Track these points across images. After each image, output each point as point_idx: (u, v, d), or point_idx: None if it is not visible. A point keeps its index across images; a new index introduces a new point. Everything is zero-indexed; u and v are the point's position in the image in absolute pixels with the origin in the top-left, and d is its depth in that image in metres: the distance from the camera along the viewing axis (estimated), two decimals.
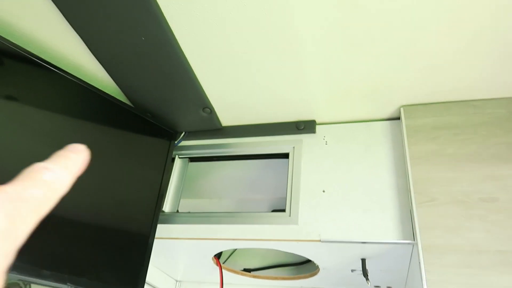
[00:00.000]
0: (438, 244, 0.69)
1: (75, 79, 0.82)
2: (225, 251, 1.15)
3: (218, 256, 1.09)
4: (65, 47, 0.82)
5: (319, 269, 0.97)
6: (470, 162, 0.75)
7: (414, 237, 0.73)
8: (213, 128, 1.00)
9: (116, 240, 0.80)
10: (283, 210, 0.86)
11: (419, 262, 0.68)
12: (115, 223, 0.81)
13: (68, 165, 0.20)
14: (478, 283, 0.64)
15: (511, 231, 0.66)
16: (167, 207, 0.95)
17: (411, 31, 0.69)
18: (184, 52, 0.79)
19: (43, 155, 0.65)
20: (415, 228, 0.72)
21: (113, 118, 0.88)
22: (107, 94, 0.87)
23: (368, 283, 0.85)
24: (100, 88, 0.87)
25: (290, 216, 0.84)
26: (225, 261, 1.15)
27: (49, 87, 0.79)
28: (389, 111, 0.89)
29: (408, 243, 0.74)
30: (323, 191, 0.85)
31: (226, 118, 0.99)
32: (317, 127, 0.95)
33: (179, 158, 1.02)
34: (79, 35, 0.77)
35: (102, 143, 0.84)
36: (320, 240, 0.79)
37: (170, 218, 0.92)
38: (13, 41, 0.72)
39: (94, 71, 0.88)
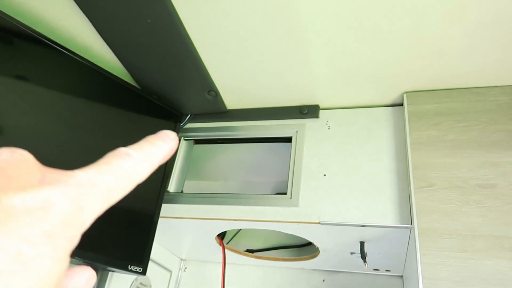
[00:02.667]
0: (434, 228, 0.70)
1: (83, 60, 0.84)
2: (229, 232, 1.17)
3: (222, 236, 1.12)
4: (73, 28, 0.84)
5: (319, 251, 0.99)
6: (470, 149, 0.75)
7: (411, 221, 0.74)
8: (218, 111, 1.01)
9: (123, 217, 0.83)
10: (286, 193, 0.88)
11: (415, 245, 0.70)
12: (122, 201, 0.84)
13: (152, 153, 0.19)
14: (472, 266, 0.65)
15: (507, 217, 0.67)
16: (172, 187, 0.97)
17: (415, 17, 0.69)
18: (190, 35, 0.80)
19: (51, 135, 0.68)
20: (412, 212, 0.73)
21: (119, 99, 0.90)
22: (114, 75, 0.89)
23: (365, 266, 0.87)
24: (107, 69, 0.89)
25: (291, 198, 0.85)
26: (229, 241, 1.18)
27: (58, 68, 0.81)
28: (392, 97, 0.89)
29: (406, 227, 0.76)
30: (324, 175, 0.86)
31: (231, 102, 1.00)
32: (320, 112, 0.95)
33: (185, 140, 1.04)
34: (87, 16, 0.78)
35: (108, 123, 0.86)
36: (319, 223, 0.81)
37: (175, 198, 0.94)
38: (22, 21, 0.74)
39: (101, 53, 0.89)
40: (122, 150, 0.18)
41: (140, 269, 0.83)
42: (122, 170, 0.17)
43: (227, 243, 1.15)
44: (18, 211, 0.13)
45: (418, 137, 0.80)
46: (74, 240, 0.15)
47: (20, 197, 0.14)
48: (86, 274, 0.18)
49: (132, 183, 0.18)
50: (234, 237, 1.19)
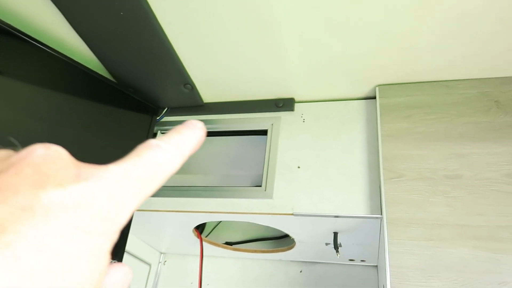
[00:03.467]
0: (402, 218, 0.72)
1: (56, 53, 0.83)
2: (208, 225, 1.18)
3: (201, 230, 1.13)
4: (45, 20, 0.83)
5: (295, 243, 1.00)
6: (438, 141, 0.77)
7: (381, 211, 0.76)
8: (194, 104, 1.01)
9: None
10: (261, 186, 0.89)
11: (384, 235, 0.71)
12: None
13: (181, 143, 0.19)
14: (437, 254, 0.67)
15: (471, 207, 0.69)
16: None
17: (385, 12, 0.70)
18: (164, 29, 0.80)
19: (25, 129, 0.67)
20: (382, 203, 0.75)
21: (95, 92, 0.90)
22: (88, 68, 0.88)
23: (337, 255, 0.89)
24: (82, 62, 0.89)
25: (265, 190, 0.86)
26: (208, 234, 1.18)
27: (30, 61, 0.80)
28: (365, 90, 0.91)
29: (376, 217, 0.77)
30: (298, 167, 0.88)
31: (207, 95, 1.00)
32: (296, 105, 0.96)
33: (162, 133, 1.04)
34: (58, 8, 0.78)
35: (84, 117, 0.86)
36: (293, 214, 0.82)
37: None
38: None
39: (75, 46, 0.89)
40: (152, 141, 0.18)
41: (114, 262, 0.83)
42: (154, 162, 0.17)
43: (206, 236, 1.16)
44: (56, 207, 0.13)
45: (389, 129, 0.81)
46: (113, 236, 0.15)
47: (58, 193, 0.13)
48: (123, 270, 0.18)
49: (165, 174, 0.18)
50: (213, 230, 1.20)
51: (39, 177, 0.14)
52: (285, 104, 0.96)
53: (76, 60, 0.87)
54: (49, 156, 0.15)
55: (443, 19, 0.70)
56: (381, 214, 0.75)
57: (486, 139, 0.75)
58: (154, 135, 1.02)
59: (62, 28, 0.84)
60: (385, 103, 0.85)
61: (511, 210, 0.67)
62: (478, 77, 0.82)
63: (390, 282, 0.67)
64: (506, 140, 0.74)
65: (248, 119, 0.98)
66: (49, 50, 0.82)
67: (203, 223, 1.14)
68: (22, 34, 0.78)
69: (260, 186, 0.89)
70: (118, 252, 0.84)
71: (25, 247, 0.12)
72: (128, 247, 1.09)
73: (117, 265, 0.18)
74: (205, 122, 1.02)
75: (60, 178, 0.14)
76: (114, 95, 0.93)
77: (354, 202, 0.80)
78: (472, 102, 0.79)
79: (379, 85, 0.88)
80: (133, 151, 0.17)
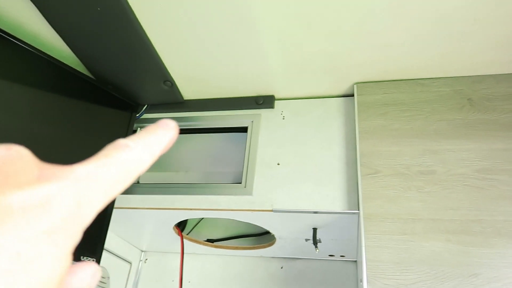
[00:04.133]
0: (378, 213, 0.73)
1: (32, 49, 0.82)
2: (189, 222, 1.18)
3: (182, 227, 1.13)
4: (20, 15, 0.81)
5: (275, 239, 1.01)
6: (413, 137, 0.79)
7: (358, 207, 0.77)
8: (175, 101, 1.01)
9: None
10: (240, 182, 0.89)
11: (360, 230, 0.73)
12: None
13: (151, 143, 0.19)
14: (411, 248, 0.69)
15: (444, 201, 0.71)
16: None
17: (360, 11, 0.71)
18: (142, 25, 0.80)
19: (1, 127, 0.66)
20: (359, 199, 0.76)
21: (73, 89, 0.88)
22: (66, 65, 0.87)
23: (316, 251, 0.90)
24: (59, 58, 0.87)
25: (245, 187, 0.87)
26: (190, 232, 1.18)
27: (4, 56, 0.79)
28: (343, 88, 0.92)
29: (353, 213, 0.79)
30: (278, 164, 0.88)
31: (188, 92, 1.00)
32: (276, 102, 0.97)
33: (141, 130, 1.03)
34: (32, 2, 0.76)
35: (61, 114, 0.85)
36: (272, 210, 0.83)
37: (130, 189, 0.94)
38: None
39: (51, 41, 0.87)
40: (121, 141, 0.18)
41: (93, 260, 0.82)
42: (122, 162, 0.17)
43: (187, 234, 1.16)
44: (15, 210, 0.13)
45: (366, 126, 0.83)
46: (75, 237, 0.15)
47: (17, 195, 0.13)
48: (91, 269, 0.17)
49: (132, 175, 0.17)
50: (194, 228, 1.20)
51: None
52: (265, 101, 0.96)
53: (53, 56, 0.86)
54: (10, 157, 0.15)
55: (418, 18, 0.72)
56: (358, 210, 0.77)
57: (459, 136, 0.77)
58: (133, 132, 1.01)
59: (38, 23, 0.82)
60: (363, 100, 0.86)
61: (481, 204, 0.69)
62: (452, 76, 0.84)
63: (366, 276, 0.68)
64: (478, 137, 0.76)
65: (229, 116, 0.98)
66: (24, 46, 0.80)
67: (184, 221, 1.14)
68: None
69: (240, 183, 0.89)
70: (95, 251, 0.83)
71: None
72: (108, 245, 1.09)
73: (85, 264, 0.17)
74: (186, 119, 1.02)
75: (21, 180, 0.14)
76: (93, 92, 0.92)
77: (332, 198, 0.81)
78: (446, 100, 0.81)
79: (357, 83, 0.89)
80: (101, 151, 0.17)
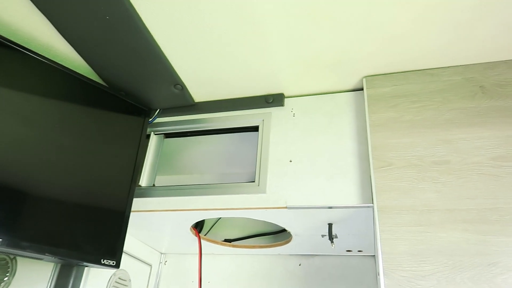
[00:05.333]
0: (392, 205, 0.73)
1: (46, 60, 0.85)
2: (206, 223, 1.19)
3: (200, 228, 1.14)
4: (34, 28, 0.84)
5: (291, 236, 1.01)
6: (425, 128, 0.78)
7: (372, 200, 0.77)
8: (186, 104, 1.02)
9: (94, 213, 0.84)
10: (254, 181, 0.90)
11: (375, 223, 0.73)
12: (92, 197, 0.85)
13: None
14: (428, 239, 0.68)
15: (459, 191, 0.70)
16: (143, 181, 0.98)
17: (367, 3, 0.71)
18: (150, 30, 0.81)
19: (19, 136, 0.68)
20: (373, 192, 0.76)
21: (87, 97, 0.91)
22: (79, 74, 0.90)
23: (332, 246, 0.90)
24: (72, 68, 0.90)
25: (258, 185, 0.87)
26: (207, 232, 1.20)
27: (22, 69, 0.81)
28: (352, 82, 0.92)
29: (368, 206, 0.78)
30: (290, 161, 0.89)
31: (198, 94, 1.01)
32: (285, 100, 0.98)
33: (155, 134, 1.05)
34: (45, 15, 0.79)
35: (77, 122, 0.87)
36: (286, 207, 0.83)
37: (147, 192, 0.95)
38: None
39: (65, 52, 0.90)
40: None
41: (113, 263, 0.84)
42: None
43: (205, 234, 1.17)
44: None
45: (377, 119, 0.82)
46: None
47: None
48: None
49: None
50: (212, 228, 1.21)
51: None
52: (275, 100, 0.97)
53: (66, 66, 0.88)
54: None
55: (424, 6, 0.71)
56: (372, 203, 0.76)
57: (472, 124, 0.76)
58: (147, 137, 1.03)
59: (50, 35, 0.85)
60: (372, 93, 0.86)
61: (498, 192, 0.68)
62: (463, 64, 0.82)
63: (383, 268, 0.68)
64: (492, 124, 0.75)
65: (240, 116, 0.99)
66: (38, 57, 0.83)
67: (201, 222, 1.15)
68: (10, 42, 0.79)
69: (253, 181, 0.90)
70: (115, 254, 0.85)
71: None
72: (128, 248, 1.11)
73: None
74: (197, 121, 1.03)
75: None
76: (106, 99, 0.94)
77: (346, 192, 0.81)
78: (457, 88, 0.80)
79: (366, 76, 0.89)
80: None
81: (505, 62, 0.80)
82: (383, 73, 0.88)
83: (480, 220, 0.67)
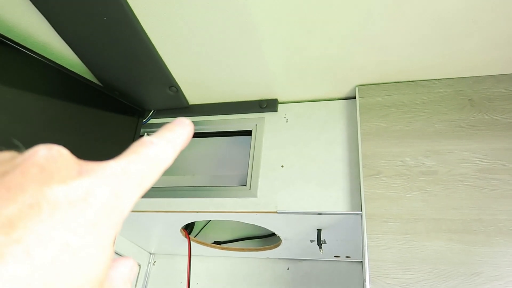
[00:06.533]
0: (380, 213, 0.74)
1: (42, 58, 0.85)
2: (197, 224, 1.20)
3: (190, 230, 1.15)
4: (30, 26, 0.84)
5: (281, 240, 1.02)
6: (415, 138, 0.80)
7: (361, 207, 0.78)
8: (180, 106, 1.03)
9: None
10: (245, 185, 0.91)
11: (362, 230, 0.74)
12: None
13: (173, 139, 0.20)
14: (413, 247, 0.70)
15: (445, 201, 0.72)
16: None
17: (360, 14, 0.73)
18: (147, 32, 0.82)
19: (12, 133, 0.68)
20: (362, 199, 0.77)
21: (81, 96, 0.91)
22: (74, 72, 0.90)
23: (320, 252, 0.91)
24: (67, 67, 0.90)
25: (250, 189, 0.88)
26: (197, 234, 1.20)
27: (16, 66, 0.81)
28: (345, 91, 0.93)
29: (356, 214, 0.80)
30: (282, 166, 0.90)
31: (193, 97, 1.02)
32: (279, 105, 0.99)
33: (148, 135, 1.05)
34: (42, 14, 0.79)
35: (70, 120, 0.87)
36: (277, 212, 0.84)
37: None
38: None
39: (60, 50, 0.90)
40: (146, 139, 0.19)
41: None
42: (150, 157, 0.18)
43: (195, 236, 1.18)
44: (62, 203, 0.14)
45: (368, 128, 0.84)
46: (116, 227, 0.16)
47: (62, 189, 0.14)
48: (129, 264, 0.19)
49: (160, 168, 0.19)
50: (202, 230, 1.21)
51: (43, 175, 0.15)
52: (269, 105, 0.98)
53: (62, 64, 0.89)
54: (52, 156, 0.16)
55: (417, 20, 0.73)
56: (361, 210, 0.78)
57: (460, 136, 0.78)
58: (140, 137, 1.04)
59: (47, 33, 0.85)
60: (364, 102, 0.88)
61: (482, 203, 0.70)
62: (453, 77, 0.84)
63: (369, 275, 0.70)
64: (479, 137, 0.77)
65: (233, 120, 1.00)
66: (33, 55, 0.83)
67: (191, 223, 1.16)
68: (6, 39, 0.80)
69: (245, 185, 0.91)
70: None
71: (34, 242, 0.13)
72: (117, 248, 1.11)
73: (123, 258, 0.19)
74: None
75: (63, 176, 0.15)
76: (101, 99, 0.95)
77: (335, 199, 0.82)
78: (447, 100, 0.82)
79: (358, 85, 0.91)
80: (129, 148, 0.18)
81: (494, 76, 0.82)
82: (375, 82, 0.89)
83: (464, 230, 0.69)
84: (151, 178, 0.18)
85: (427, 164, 0.77)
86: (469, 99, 0.81)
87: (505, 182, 0.71)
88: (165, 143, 0.19)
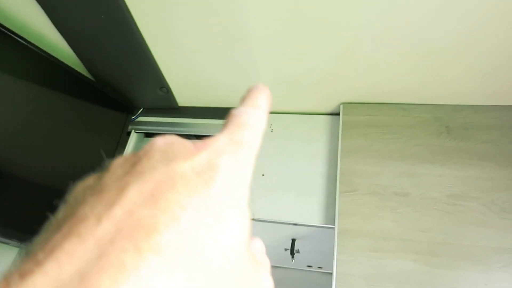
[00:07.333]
0: (352, 229, 0.77)
1: (36, 49, 0.86)
2: None
3: None
4: (28, 16, 0.85)
5: None
6: (392, 159, 0.83)
7: (334, 222, 0.81)
8: (169, 107, 1.05)
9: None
10: None
11: (334, 243, 0.77)
12: (67, 187, 0.86)
13: (260, 104, 0.22)
14: (381, 265, 0.73)
15: (415, 223, 0.75)
16: None
17: (350, 36, 0.75)
18: (142, 34, 0.84)
19: (1, 119, 0.69)
20: (336, 214, 0.80)
21: (72, 89, 0.92)
22: (67, 65, 0.91)
23: (292, 261, 0.94)
24: (61, 59, 0.91)
25: None
26: None
27: (11, 55, 0.82)
28: (331, 107, 0.96)
29: (330, 227, 0.82)
30: (263, 175, 0.92)
31: (183, 99, 1.04)
32: None
33: (135, 132, 1.07)
34: (40, 5, 0.80)
35: (60, 111, 0.88)
36: (253, 219, 0.86)
37: None
38: None
39: (55, 42, 0.91)
40: (237, 110, 0.20)
41: None
42: (248, 124, 0.19)
43: None
44: (190, 175, 0.15)
45: (349, 145, 0.87)
46: (245, 191, 0.17)
47: (188, 163, 0.15)
48: (260, 242, 0.20)
49: (259, 132, 0.20)
50: None
51: (167, 156, 0.16)
52: None
53: (56, 56, 0.90)
54: (168, 141, 0.17)
55: (403, 47, 0.76)
56: (334, 225, 0.80)
57: (435, 161, 0.81)
58: (127, 134, 1.05)
59: (44, 24, 0.86)
60: (347, 120, 0.90)
61: (449, 228, 0.73)
62: (433, 103, 0.88)
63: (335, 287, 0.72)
64: (452, 163, 0.80)
65: (220, 125, 1.02)
66: (29, 45, 0.84)
67: None
68: (3, 28, 0.81)
69: None
70: None
71: (178, 210, 0.14)
72: None
73: (253, 238, 0.20)
74: (179, 125, 1.05)
75: (184, 153, 0.16)
76: (91, 93, 0.96)
77: (311, 211, 0.85)
78: (425, 125, 0.85)
79: (343, 103, 0.93)
80: (226, 122, 0.20)
81: (471, 106, 0.86)
82: (360, 101, 0.92)
83: (430, 252, 0.72)
84: (256, 142, 0.19)
85: (401, 185, 0.80)
86: (446, 126, 0.84)
87: (472, 209, 0.74)
88: (257, 109, 0.21)
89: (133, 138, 1.06)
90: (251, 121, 0.20)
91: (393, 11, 0.68)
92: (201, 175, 0.15)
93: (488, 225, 0.73)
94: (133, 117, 1.05)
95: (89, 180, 0.18)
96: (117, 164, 0.17)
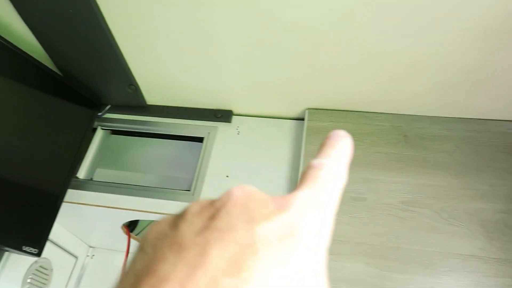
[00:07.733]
0: None
1: (1, 39, 0.84)
2: (140, 223, 1.21)
3: (133, 227, 1.15)
4: None
5: None
6: (352, 165, 0.85)
7: None
8: (137, 104, 1.05)
9: (25, 197, 0.84)
10: (190, 190, 0.93)
11: None
12: (25, 180, 0.85)
13: (340, 156, 0.21)
14: (334, 267, 0.75)
15: (369, 227, 0.78)
16: (82, 174, 0.99)
17: (314, 44, 0.78)
18: (111, 30, 0.84)
19: None
20: None
21: (37, 82, 0.91)
22: (34, 58, 0.90)
23: None
24: (28, 52, 0.90)
25: (193, 195, 0.91)
26: (140, 232, 1.21)
27: None
28: (296, 112, 0.98)
29: None
30: (227, 176, 0.93)
31: (151, 97, 1.04)
32: (233, 117, 1.02)
33: (101, 129, 1.06)
34: None
35: (23, 104, 0.87)
36: None
37: (83, 185, 0.96)
38: None
39: (21, 33, 0.90)
40: (316, 162, 0.20)
41: (35, 251, 0.84)
42: (328, 180, 0.19)
43: (137, 234, 1.19)
44: (272, 240, 0.15)
45: (312, 150, 0.89)
46: (323, 253, 0.17)
47: (269, 226, 0.15)
48: None
49: (340, 186, 0.19)
50: (145, 229, 1.22)
51: (247, 214, 0.15)
52: (223, 115, 1.01)
53: (22, 48, 0.88)
54: (248, 196, 0.17)
55: (365, 57, 0.79)
56: None
57: (392, 169, 0.84)
58: (93, 130, 1.04)
59: (9, 13, 0.85)
60: (312, 125, 0.93)
61: (401, 233, 0.76)
62: (393, 112, 0.91)
63: None
64: (408, 171, 0.83)
65: (187, 125, 1.03)
66: None
67: (135, 221, 1.16)
68: None
69: (189, 190, 0.93)
70: (39, 242, 0.85)
71: (261, 281, 0.14)
72: (55, 237, 1.10)
73: None
74: (147, 123, 1.05)
75: (265, 213, 0.16)
76: (58, 87, 0.95)
77: None
78: (385, 134, 0.89)
79: (308, 109, 0.96)
80: (305, 174, 0.19)
81: (430, 117, 0.90)
82: (324, 108, 0.95)
83: (381, 256, 0.75)
84: (335, 200, 0.19)
85: (358, 190, 0.82)
86: (404, 135, 0.88)
87: (423, 215, 0.78)
88: (334, 162, 0.20)
89: (98, 134, 1.05)
90: (331, 177, 0.19)
91: (354, 23, 0.71)
92: (282, 240, 0.15)
93: (438, 231, 0.76)
94: (100, 114, 1.04)
95: (164, 225, 0.17)
96: (194, 212, 0.17)
